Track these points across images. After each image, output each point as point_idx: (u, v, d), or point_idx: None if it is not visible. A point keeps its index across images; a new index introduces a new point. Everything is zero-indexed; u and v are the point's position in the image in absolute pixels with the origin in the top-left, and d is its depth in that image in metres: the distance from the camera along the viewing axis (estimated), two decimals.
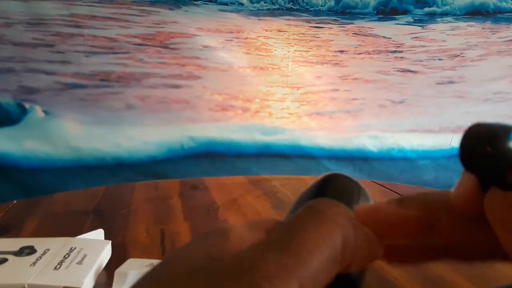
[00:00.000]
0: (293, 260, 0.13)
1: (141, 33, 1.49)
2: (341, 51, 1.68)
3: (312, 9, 1.64)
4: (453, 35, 1.74)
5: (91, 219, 0.57)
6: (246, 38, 1.59)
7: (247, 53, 1.59)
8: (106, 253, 0.42)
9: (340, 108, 1.71)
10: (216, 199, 0.67)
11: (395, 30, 1.71)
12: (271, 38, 1.61)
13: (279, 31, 1.62)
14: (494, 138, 0.14)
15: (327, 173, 0.19)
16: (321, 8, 1.65)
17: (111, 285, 0.36)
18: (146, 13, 1.48)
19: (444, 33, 1.74)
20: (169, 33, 1.51)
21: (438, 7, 1.72)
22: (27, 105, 1.40)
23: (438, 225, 0.16)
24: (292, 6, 1.62)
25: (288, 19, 1.62)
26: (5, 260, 0.37)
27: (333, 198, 0.17)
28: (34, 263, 0.37)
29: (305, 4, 1.63)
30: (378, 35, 1.70)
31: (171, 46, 1.51)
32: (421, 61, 1.74)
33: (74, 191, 0.70)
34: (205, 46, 1.54)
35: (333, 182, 0.18)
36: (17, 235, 0.51)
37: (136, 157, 1.51)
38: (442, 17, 1.73)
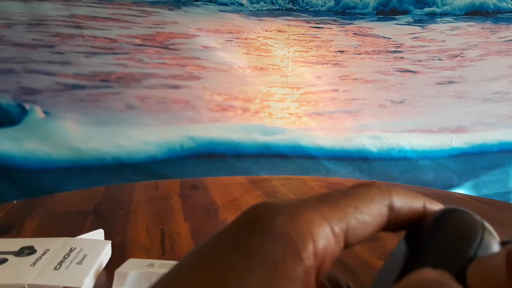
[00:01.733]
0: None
1: (141, 33, 1.49)
2: (341, 51, 1.68)
3: (312, 9, 1.64)
4: (453, 35, 1.74)
5: (91, 219, 0.57)
6: (246, 39, 1.59)
7: (247, 54, 1.59)
8: (106, 253, 0.42)
9: (340, 108, 1.71)
10: (216, 199, 0.67)
11: (395, 30, 1.71)
12: (271, 38, 1.61)
13: (279, 31, 1.62)
14: None
15: (444, 208, 0.16)
16: (321, 8, 1.65)
17: (111, 285, 0.36)
18: (146, 13, 1.49)
19: (444, 33, 1.74)
20: (169, 34, 1.51)
21: (438, 7, 1.72)
22: (27, 106, 1.40)
23: None
24: (292, 7, 1.62)
25: (288, 20, 1.62)
26: (5, 260, 0.37)
27: (450, 241, 0.15)
28: (34, 263, 0.37)
29: (305, 4, 1.63)
30: (378, 35, 1.70)
31: (171, 46, 1.51)
32: (421, 61, 1.74)
33: (74, 191, 0.70)
34: (205, 47, 1.54)
35: (450, 220, 0.16)
36: (17, 235, 0.51)
37: (136, 157, 1.51)
38: (442, 17, 1.73)
